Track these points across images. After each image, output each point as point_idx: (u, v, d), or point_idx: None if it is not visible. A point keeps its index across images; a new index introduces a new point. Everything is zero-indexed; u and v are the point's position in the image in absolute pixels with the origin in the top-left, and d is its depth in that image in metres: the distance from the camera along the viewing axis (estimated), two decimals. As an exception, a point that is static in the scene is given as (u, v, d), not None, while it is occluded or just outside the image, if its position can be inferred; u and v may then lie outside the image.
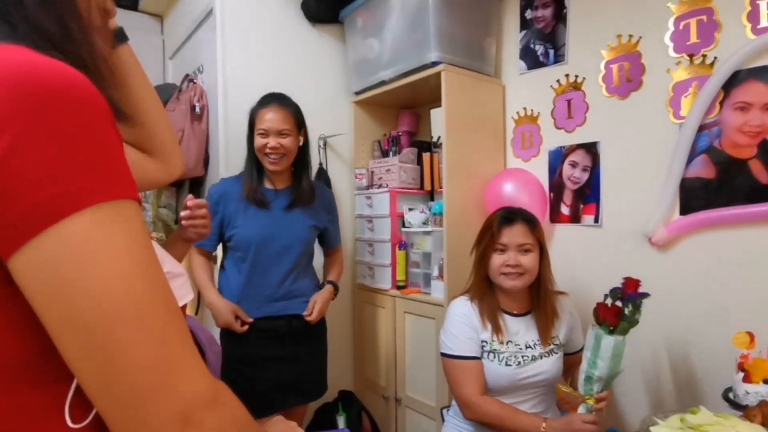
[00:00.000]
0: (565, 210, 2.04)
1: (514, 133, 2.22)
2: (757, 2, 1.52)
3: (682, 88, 1.70)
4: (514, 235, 1.43)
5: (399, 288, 2.27)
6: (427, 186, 2.44)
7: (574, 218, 2.01)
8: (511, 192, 2.01)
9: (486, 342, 1.42)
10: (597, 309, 1.32)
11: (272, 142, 1.69)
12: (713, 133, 1.65)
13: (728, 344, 1.34)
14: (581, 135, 1.98)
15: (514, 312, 1.48)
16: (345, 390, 2.37)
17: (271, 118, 1.70)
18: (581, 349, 1.46)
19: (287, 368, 1.74)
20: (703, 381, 1.58)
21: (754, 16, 1.54)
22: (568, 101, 2.01)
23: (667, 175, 1.71)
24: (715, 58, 1.61)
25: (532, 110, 2.14)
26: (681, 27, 1.69)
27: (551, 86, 2.06)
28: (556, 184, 2.06)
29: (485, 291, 1.48)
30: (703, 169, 1.67)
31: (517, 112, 2.20)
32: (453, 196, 2.04)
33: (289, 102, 1.78)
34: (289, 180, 1.83)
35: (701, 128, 1.66)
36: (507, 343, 1.42)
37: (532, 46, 2.13)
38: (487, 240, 1.46)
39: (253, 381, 1.67)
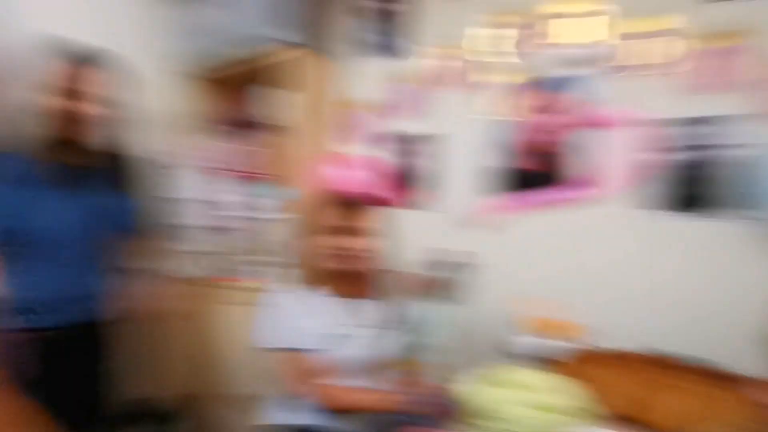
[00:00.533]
0: (406, 196, 2.10)
1: (356, 118, 2.22)
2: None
3: (501, 88, 1.86)
4: (347, 217, 1.40)
5: (228, 278, 2.10)
6: (268, 170, 2.31)
7: (415, 203, 2.08)
8: (354, 177, 2.02)
9: (332, 329, 1.38)
10: (417, 280, 1.38)
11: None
12: (522, 128, 1.83)
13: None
14: (422, 124, 2.05)
15: (354, 295, 1.45)
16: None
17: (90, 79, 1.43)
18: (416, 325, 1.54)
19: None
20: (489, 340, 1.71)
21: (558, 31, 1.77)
22: (408, 91, 2.07)
23: (481, 162, 1.89)
24: (525, 65, 1.83)
25: (374, 98, 2.16)
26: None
27: (392, 75, 2.10)
28: (399, 170, 2.12)
29: (322, 277, 1.43)
30: (516, 158, 1.84)
31: (360, 98, 2.20)
32: (297, 181, 2.00)
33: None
34: (87, 155, 1.52)
35: (513, 124, 1.84)
36: (354, 327, 1.40)
37: (372, 33, 2.16)
38: (321, 223, 1.41)
39: None
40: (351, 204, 1.43)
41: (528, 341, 1.41)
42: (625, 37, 1.65)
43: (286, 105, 1.93)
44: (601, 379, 1.19)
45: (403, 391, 1.30)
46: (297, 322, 1.37)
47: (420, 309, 1.36)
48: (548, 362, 1.30)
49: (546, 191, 1.80)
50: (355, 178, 1.98)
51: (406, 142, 2.08)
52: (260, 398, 1.91)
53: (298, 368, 1.34)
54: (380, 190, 2.10)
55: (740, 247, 1.51)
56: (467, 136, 1.96)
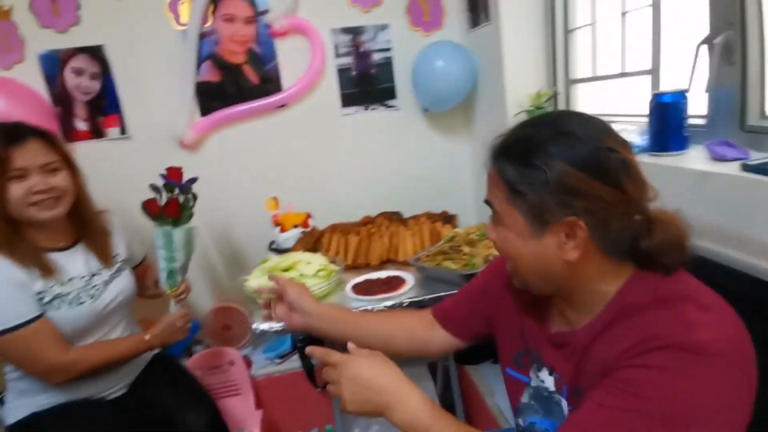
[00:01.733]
0: (81, 125, 1.80)
1: (-17, 29, 1.67)
2: None
3: (185, -4, 1.76)
4: (32, 155, 1.14)
5: None
6: None
7: (96, 133, 1.82)
8: (1, 109, 1.56)
9: (43, 291, 1.15)
10: (148, 207, 1.30)
11: None
12: (212, 41, 1.82)
13: (263, 211, 1.72)
14: (78, 37, 1.73)
15: (60, 245, 1.24)
16: None
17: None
18: (144, 259, 1.47)
19: None
20: (254, 244, 1.91)
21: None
22: (54, -6, 1.68)
23: (181, 81, 1.79)
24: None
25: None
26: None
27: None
28: (61, 96, 1.76)
29: (11, 235, 1.15)
30: (210, 73, 1.84)
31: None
32: None
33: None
34: None
35: (202, 36, 1.79)
36: (68, 281, 1.20)
37: None
38: None
39: None
40: (30, 137, 1.16)
41: (277, 235, 1.59)
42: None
43: None
44: (337, 243, 1.51)
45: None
46: (19, 293, 1.13)
47: (160, 234, 1.32)
48: (297, 244, 1.53)
49: (238, 104, 1.88)
50: (17, 110, 1.55)
51: (78, 60, 1.74)
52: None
53: (39, 342, 1.13)
54: (55, 122, 1.73)
55: (410, 126, 2.03)
56: (147, 48, 1.80)
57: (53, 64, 1.73)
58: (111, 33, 1.75)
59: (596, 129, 0.63)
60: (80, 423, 1.19)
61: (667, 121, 1.01)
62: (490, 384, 1.60)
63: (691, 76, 1.00)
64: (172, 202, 1.32)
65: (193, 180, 1.36)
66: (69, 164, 1.23)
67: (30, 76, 1.71)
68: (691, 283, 0.63)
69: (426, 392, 1.79)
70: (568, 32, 1.56)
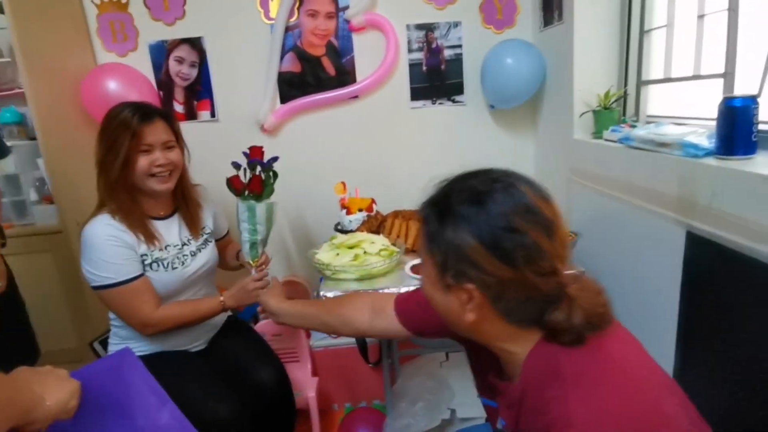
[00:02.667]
0: (178, 108, 2.03)
1: (99, 21, 1.92)
2: None
3: (272, -9, 1.93)
4: (158, 132, 1.29)
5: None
6: None
7: (190, 115, 2.04)
8: (116, 90, 1.80)
9: (146, 254, 1.32)
10: (232, 183, 1.41)
11: None
12: (296, 34, 1.98)
13: (331, 194, 1.85)
14: (182, 29, 1.95)
15: (161, 215, 1.40)
16: None
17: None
18: (227, 233, 1.62)
19: None
20: (320, 225, 2.06)
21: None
22: (166, -10, 1.90)
23: (267, 70, 1.97)
24: (290, -35, 1.93)
25: (121, -4, 1.90)
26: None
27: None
28: (164, 82, 1.99)
29: (127, 201, 1.31)
30: (292, 64, 2.02)
31: (103, -3, 1.90)
32: (39, 99, 1.65)
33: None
34: None
35: (287, 30, 1.95)
36: (166, 248, 1.36)
37: None
38: (128, 142, 1.26)
39: None
40: (156, 117, 1.32)
41: (343, 217, 1.72)
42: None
43: (10, 3, 1.54)
44: (399, 227, 1.61)
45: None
46: (128, 253, 1.29)
47: (244, 208, 1.42)
48: (361, 227, 1.65)
49: (315, 94, 2.03)
50: (131, 92, 1.78)
51: (181, 50, 1.96)
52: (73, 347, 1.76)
53: (138, 297, 1.30)
54: (159, 104, 1.96)
55: (475, 122, 2.10)
56: (239, 40, 1.98)
57: (160, 53, 1.96)
58: (209, 26, 1.95)
59: (511, 202, 0.62)
60: (175, 366, 1.36)
61: (736, 125, 1.01)
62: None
63: (762, 81, 1.00)
64: (255, 178, 1.42)
65: (275, 159, 1.46)
66: (180, 143, 1.39)
67: (141, 62, 1.95)
68: (592, 359, 0.61)
69: (471, 378, 1.85)
70: (643, 33, 1.55)
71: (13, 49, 1.59)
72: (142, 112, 1.30)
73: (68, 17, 1.85)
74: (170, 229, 1.41)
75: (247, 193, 1.43)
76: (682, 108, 1.40)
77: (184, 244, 1.42)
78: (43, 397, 0.66)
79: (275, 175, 1.47)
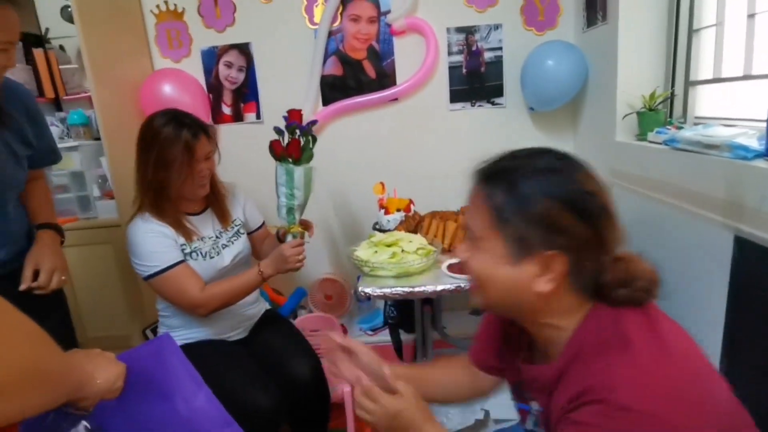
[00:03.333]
0: (226, 110, 2.13)
1: (157, 30, 2.05)
2: None
3: (315, -2, 2.01)
4: (203, 146, 1.38)
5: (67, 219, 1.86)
6: (49, 92, 1.99)
7: (237, 117, 2.14)
8: (171, 94, 1.92)
9: (185, 245, 1.41)
10: (273, 148, 1.43)
11: None
12: (338, 38, 2.05)
13: (370, 194, 1.90)
14: (232, 35, 2.05)
15: (195, 211, 1.49)
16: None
17: None
18: (262, 225, 1.65)
19: None
20: (359, 224, 2.12)
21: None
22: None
23: (310, 73, 2.05)
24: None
25: (175, 5, 2.02)
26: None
27: (195, -20, 2.00)
28: (214, 85, 2.10)
29: (164, 204, 1.40)
30: (334, 67, 2.08)
31: (158, 6, 2.03)
32: (103, 102, 1.78)
33: None
34: None
35: (330, 34, 2.01)
36: (201, 239, 1.45)
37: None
38: (184, 156, 1.34)
39: None
40: (201, 132, 1.39)
41: (381, 217, 1.76)
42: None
43: (79, 9, 1.67)
44: (436, 227, 1.63)
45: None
46: (169, 242, 1.38)
47: (282, 171, 1.44)
48: (399, 226, 1.69)
49: (356, 96, 2.08)
50: (184, 96, 1.90)
51: (230, 55, 2.06)
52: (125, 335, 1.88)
53: (184, 281, 1.37)
54: (209, 107, 2.07)
55: (515, 124, 2.10)
56: (284, 45, 2.06)
57: (211, 58, 2.07)
58: (257, 32, 2.05)
59: (580, 171, 0.65)
60: (219, 352, 1.44)
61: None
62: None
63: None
64: (294, 142, 1.40)
65: (314, 122, 1.47)
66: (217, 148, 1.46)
67: (193, 68, 2.07)
68: (645, 326, 0.63)
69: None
70: (692, 32, 1.51)
71: (81, 55, 1.73)
72: (189, 126, 1.37)
73: (130, 26, 1.98)
74: (205, 223, 1.49)
75: (285, 156, 1.44)
76: (733, 109, 1.36)
77: (217, 237, 1.49)
78: (94, 375, 0.71)
79: (314, 139, 1.46)
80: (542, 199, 0.63)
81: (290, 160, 1.42)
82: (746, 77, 1.26)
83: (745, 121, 1.27)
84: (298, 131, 1.42)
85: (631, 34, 1.59)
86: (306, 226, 1.51)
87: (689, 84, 1.54)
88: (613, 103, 1.65)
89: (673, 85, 1.59)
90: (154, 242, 1.36)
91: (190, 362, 0.86)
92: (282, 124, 1.43)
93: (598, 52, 1.77)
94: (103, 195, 1.87)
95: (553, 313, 0.67)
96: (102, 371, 0.73)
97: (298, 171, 1.42)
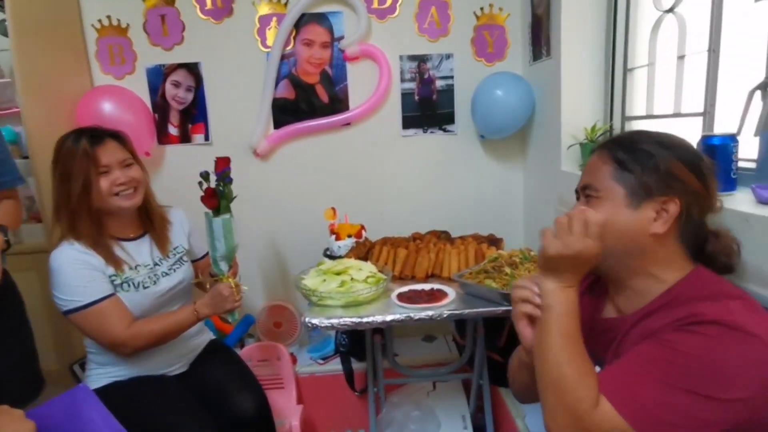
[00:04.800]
0: (173, 130, 2.04)
1: (99, 45, 1.96)
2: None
3: (266, 21, 1.96)
4: (111, 152, 1.31)
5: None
6: None
7: (184, 138, 2.06)
8: (111, 112, 1.83)
9: (115, 275, 1.32)
10: (202, 199, 1.39)
11: None
12: (291, 62, 2.03)
13: (320, 220, 1.86)
14: (180, 54, 1.99)
15: (130, 236, 1.41)
16: None
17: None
18: (206, 254, 1.57)
19: None
20: (309, 250, 2.00)
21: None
22: (162, 16, 1.94)
23: (261, 96, 2.01)
24: (288, 0, 1.99)
25: (118, 20, 1.94)
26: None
27: (144, -3, 1.93)
28: (160, 105, 2.02)
29: (90, 226, 1.31)
30: (286, 91, 2.04)
31: (99, 21, 1.94)
32: (34, 119, 1.67)
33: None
34: None
35: (282, 58, 1.99)
36: (136, 267, 1.36)
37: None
38: (86, 168, 1.27)
39: None
40: (107, 138, 1.34)
41: (332, 243, 1.73)
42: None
43: (13, 22, 1.57)
44: (387, 254, 1.61)
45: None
46: (95, 274, 1.29)
47: (207, 221, 1.40)
48: (350, 253, 1.65)
49: (308, 120, 2.06)
50: (126, 114, 1.81)
51: (178, 74, 2.00)
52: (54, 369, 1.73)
53: (107, 317, 1.28)
54: (154, 127, 1.98)
55: (466, 151, 2.13)
56: (235, 66, 2.02)
57: (157, 77, 1.99)
58: (207, 52, 1.99)
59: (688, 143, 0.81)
60: (153, 390, 1.35)
61: (715, 163, 1.03)
62: (522, 406, 1.62)
63: (742, 120, 1.03)
64: (208, 190, 1.38)
65: (227, 170, 1.41)
66: (137, 160, 1.39)
67: (137, 85, 1.98)
68: (744, 292, 0.72)
69: (458, 409, 1.86)
70: (627, 71, 1.60)
71: (12, 69, 1.61)
72: (90, 134, 1.32)
73: (68, 40, 1.88)
74: (141, 250, 1.42)
75: (207, 206, 1.40)
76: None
77: (156, 264, 1.42)
78: None
79: (227, 183, 1.42)
80: (663, 154, 0.75)
81: (212, 210, 1.39)
82: (676, 115, 1.34)
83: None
84: (214, 180, 1.39)
85: (572, 70, 1.67)
86: (233, 273, 1.45)
87: (625, 119, 1.63)
88: (558, 134, 1.71)
89: (611, 119, 1.67)
90: (77, 275, 1.27)
91: (110, 415, 0.79)
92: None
93: (544, 85, 1.84)
94: (29, 218, 1.74)
95: (659, 261, 0.77)
96: None
97: (216, 222, 1.38)
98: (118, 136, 1.37)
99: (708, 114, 1.20)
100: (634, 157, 0.77)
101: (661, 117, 1.44)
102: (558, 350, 0.71)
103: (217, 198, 1.39)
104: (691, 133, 1.27)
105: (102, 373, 1.38)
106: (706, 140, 1.05)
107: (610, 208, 0.77)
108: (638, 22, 1.56)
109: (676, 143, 0.79)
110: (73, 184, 1.27)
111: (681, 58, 1.31)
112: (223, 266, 1.42)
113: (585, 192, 0.81)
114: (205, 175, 1.38)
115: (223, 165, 1.40)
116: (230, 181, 1.41)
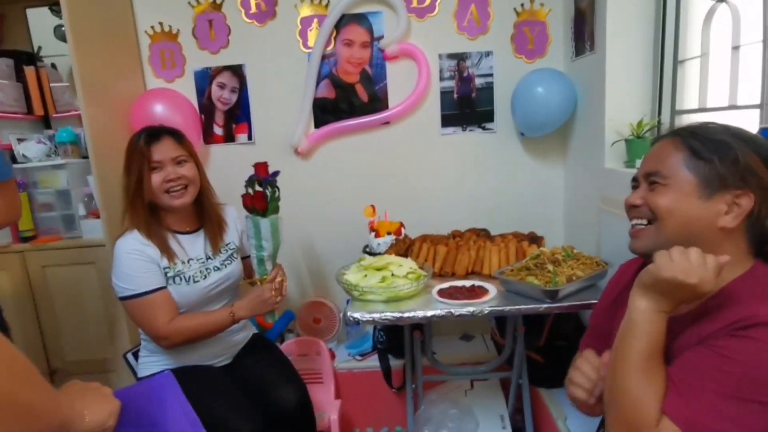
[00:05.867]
0: (218, 130, 2.12)
1: (151, 50, 2.06)
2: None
3: (308, 23, 2.02)
4: (165, 149, 1.37)
5: (26, 240, 1.81)
6: (38, 110, 1.98)
7: (228, 137, 2.13)
8: (162, 113, 1.91)
9: (169, 268, 1.38)
10: (244, 200, 1.45)
11: None
12: (331, 62, 2.07)
13: (360, 217, 1.89)
14: (226, 57, 2.06)
15: (186, 230, 1.47)
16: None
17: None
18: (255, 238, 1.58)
19: None
20: (349, 247, 2.01)
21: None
22: (209, 21, 2.03)
23: (303, 96, 2.05)
24: (329, 1, 2.02)
25: (170, 26, 2.03)
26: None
27: (189, 3, 2.01)
28: (206, 106, 2.10)
29: (149, 218, 1.39)
30: (327, 90, 2.09)
31: (152, 27, 2.04)
32: (93, 120, 1.77)
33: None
34: None
35: (323, 58, 2.03)
36: (188, 261, 1.42)
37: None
38: (140, 163, 1.35)
39: None
40: (164, 135, 1.40)
41: (372, 240, 1.75)
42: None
43: (71, 28, 1.67)
44: (427, 251, 1.62)
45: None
46: (149, 266, 1.36)
47: (250, 224, 1.45)
48: (389, 250, 1.67)
49: (348, 119, 2.09)
50: (175, 115, 1.89)
51: (223, 76, 2.07)
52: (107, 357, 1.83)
53: (155, 309, 1.34)
54: (200, 127, 2.06)
55: (505, 149, 2.11)
56: (277, 67, 2.07)
57: (204, 79, 2.08)
58: (251, 54, 2.06)
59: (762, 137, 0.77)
60: (201, 381, 1.39)
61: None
62: (563, 408, 1.59)
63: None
64: (258, 194, 1.44)
65: (276, 173, 1.48)
66: (193, 158, 1.45)
67: (186, 88, 2.07)
68: None
69: (496, 409, 1.84)
70: (677, 63, 1.55)
71: (73, 74, 1.72)
72: (149, 132, 1.39)
73: (123, 46, 1.99)
74: (195, 244, 1.47)
75: (253, 209, 1.46)
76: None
77: (208, 258, 1.47)
78: (84, 413, 0.69)
79: (276, 187, 1.47)
80: (743, 147, 0.73)
81: (257, 212, 1.44)
82: (732, 107, 1.28)
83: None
84: (260, 183, 1.44)
85: (618, 64, 1.62)
86: (275, 275, 1.48)
87: (675, 113, 1.57)
88: (602, 130, 1.67)
89: (659, 114, 1.62)
90: (135, 265, 1.34)
91: (188, 403, 0.83)
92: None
93: (587, 80, 1.80)
94: (88, 214, 1.84)
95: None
96: (93, 409, 0.71)
97: (264, 222, 1.42)
98: (175, 134, 1.43)
99: (766, 106, 1.14)
100: (711, 146, 0.74)
101: (715, 110, 1.38)
102: (634, 369, 0.69)
103: (266, 200, 1.43)
104: (748, 126, 1.22)
105: (153, 360, 1.45)
106: (764, 132, 1.01)
107: (677, 196, 0.75)
108: (689, 12, 1.51)
109: (752, 137, 0.76)
110: (131, 178, 1.36)
111: (735, 48, 1.25)
112: (269, 266, 1.47)
113: (649, 178, 0.80)
114: (252, 181, 1.44)
115: (264, 170, 1.45)
116: (275, 183, 1.47)
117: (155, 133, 1.40)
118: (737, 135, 0.75)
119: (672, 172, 0.76)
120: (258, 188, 1.45)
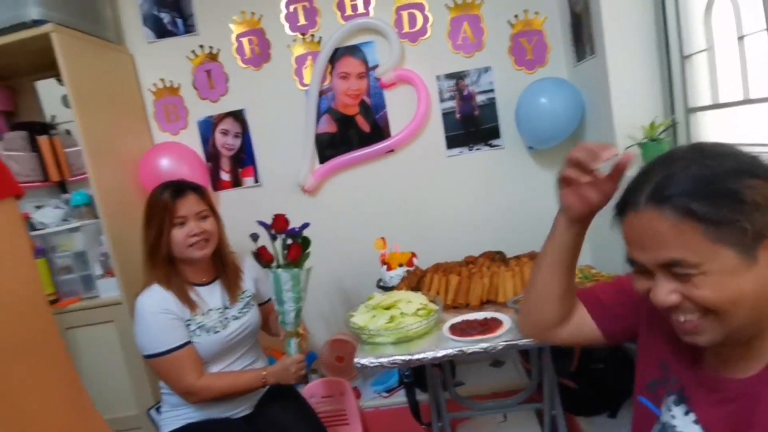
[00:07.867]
0: (225, 176, 2.14)
1: (155, 106, 2.12)
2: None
3: (302, 61, 2.03)
4: (189, 205, 1.40)
5: (49, 303, 1.85)
6: (54, 176, 2.04)
7: (236, 182, 2.15)
8: (169, 167, 1.95)
9: (190, 320, 1.38)
10: (261, 255, 1.42)
11: None
12: (329, 97, 2.06)
13: (371, 249, 1.84)
14: (226, 104, 2.10)
15: (203, 281, 1.48)
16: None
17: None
18: (270, 299, 1.59)
19: None
20: (364, 281, 1.99)
21: (341, 5, 2.01)
22: (207, 72, 2.07)
23: (304, 134, 2.06)
24: (321, 37, 2.04)
25: (171, 81, 2.09)
26: (291, 9, 2.02)
27: (186, 57, 2.07)
28: (212, 154, 2.13)
29: (170, 271, 1.41)
30: (327, 125, 2.08)
31: (154, 84, 2.10)
32: (102, 181, 1.81)
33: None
34: None
35: (321, 93, 2.04)
36: (208, 312, 1.43)
37: (156, 13, 2.05)
38: (163, 218, 1.38)
39: None
40: (188, 191, 1.43)
41: (384, 273, 1.70)
42: (399, 9, 1.99)
43: (75, 97, 1.73)
44: (438, 282, 1.55)
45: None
46: (174, 322, 1.36)
47: (287, 277, 1.42)
48: (401, 283, 1.61)
49: (352, 151, 2.07)
50: (182, 167, 1.92)
51: (225, 123, 2.10)
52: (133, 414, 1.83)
53: (182, 366, 1.34)
54: (208, 175, 2.09)
55: (515, 164, 2.04)
56: (277, 108, 2.08)
57: (207, 128, 2.11)
58: (250, 98, 2.08)
59: (726, 146, 0.65)
60: None
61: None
62: (605, 440, 1.47)
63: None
64: (294, 246, 1.42)
65: (305, 225, 1.46)
66: (214, 212, 1.48)
67: (191, 138, 2.11)
68: None
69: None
70: (684, 58, 1.45)
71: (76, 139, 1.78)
72: (174, 188, 1.41)
73: (129, 105, 2.05)
74: (213, 294, 1.47)
75: (287, 263, 1.44)
76: (731, 134, 1.27)
77: (226, 308, 1.46)
78: None
79: (308, 241, 1.47)
80: (747, 181, 0.58)
81: (289, 264, 1.43)
82: (746, 101, 1.18)
83: (752, 145, 1.18)
84: (290, 238, 1.44)
85: (620, 65, 1.54)
86: (302, 333, 1.51)
87: (689, 111, 1.46)
88: (613, 135, 1.58)
89: (672, 113, 1.51)
90: (160, 322, 1.35)
91: None
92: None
93: (592, 85, 1.71)
94: (105, 273, 1.87)
95: None
96: None
97: (303, 274, 1.42)
98: (198, 189, 1.46)
99: (784, 97, 1.04)
100: (721, 204, 0.58)
101: (729, 105, 1.27)
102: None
103: (301, 251, 1.43)
104: (761, 119, 1.12)
105: (175, 415, 1.44)
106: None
107: (725, 279, 0.59)
108: (687, 5, 1.41)
109: (748, 161, 0.61)
110: (151, 231, 1.38)
111: (741, 38, 1.15)
112: (298, 318, 1.46)
113: (673, 270, 0.62)
114: (286, 236, 1.43)
115: (282, 222, 1.44)
116: (305, 236, 1.46)
117: (180, 188, 1.42)
118: (735, 170, 0.59)
119: (703, 257, 0.59)
120: (292, 242, 1.43)
